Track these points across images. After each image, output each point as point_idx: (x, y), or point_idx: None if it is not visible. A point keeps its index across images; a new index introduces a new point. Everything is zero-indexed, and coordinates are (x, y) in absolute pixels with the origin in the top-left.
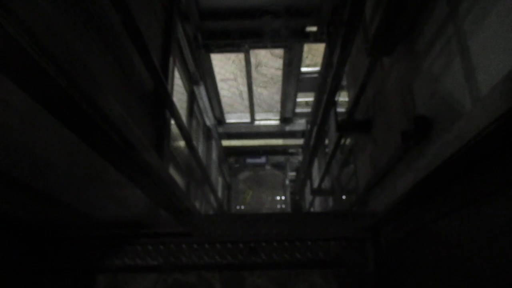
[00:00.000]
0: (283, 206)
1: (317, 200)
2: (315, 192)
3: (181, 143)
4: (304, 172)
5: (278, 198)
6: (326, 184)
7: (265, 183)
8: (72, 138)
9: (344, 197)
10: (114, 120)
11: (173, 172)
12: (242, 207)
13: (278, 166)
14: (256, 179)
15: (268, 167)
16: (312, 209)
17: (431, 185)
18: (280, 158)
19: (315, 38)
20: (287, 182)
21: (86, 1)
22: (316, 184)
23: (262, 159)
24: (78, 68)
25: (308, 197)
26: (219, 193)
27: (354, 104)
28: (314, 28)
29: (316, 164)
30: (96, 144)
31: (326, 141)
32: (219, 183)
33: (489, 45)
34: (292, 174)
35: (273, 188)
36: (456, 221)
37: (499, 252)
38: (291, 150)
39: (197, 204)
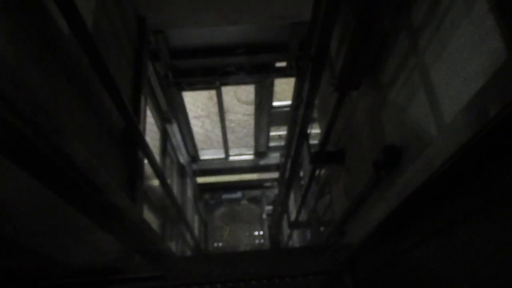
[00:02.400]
0: (262, 241)
1: (295, 233)
2: (293, 225)
3: (155, 183)
4: (281, 205)
5: (256, 233)
6: (303, 216)
7: (242, 218)
8: (39, 185)
9: (321, 229)
10: (80, 165)
11: (147, 213)
12: (220, 244)
13: (254, 200)
14: (232, 214)
15: (244, 201)
16: (290, 243)
17: (402, 214)
18: (256, 192)
19: (284, 73)
20: (264, 216)
21: (53, 44)
22: (293, 217)
23: (238, 194)
24: (41, 115)
25: (286, 230)
26: (196, 231)
27: (325, 136)
28: (283, 64)
29: (292, 197)
30: (63, 190)
31: (301, 174)
32: (195, 221)
33: (450, 76)
34: (269, 208)
35: (250, 223)
36: (429, 249)
37: (467, 278)
38: (266, 184)
39: (173, 245)
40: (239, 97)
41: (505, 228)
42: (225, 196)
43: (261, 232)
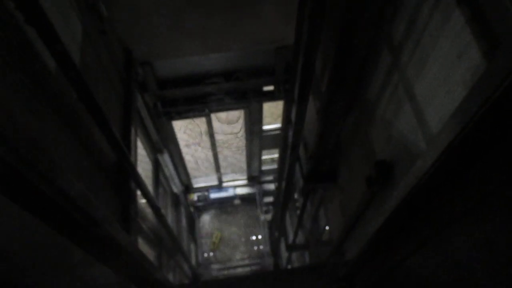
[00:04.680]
0: (261, 247)
1: (294, 255)
2: (291, 248)
3: (149, 214)
4: (278, 229)
5: (253, 237)
6: (301, 238)
7: (236, 221)
8: (32, 220)
9: (319, 249)
10: (75, 198)
11: (142, 244)
12: (211, 254)
13: (249, 200)
14: (224, 217)
15: (237, 201)
16: (289, 266)
17: (395, 225)
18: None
19: (272, 97)
20: (262, 217)
21: (42, 82)
22: (290, 239)
23: (229, 192)
24: (34, 151)
25: (284, 254)
26: (193, 260)
27: (316, 156)
28: (271, 87)
29: (288, 219)
30: (58, 224)
31: (296, 195)
32: (192, 250)
33: (433, 88)
34: (268, 200)
35: (246, 227)
36: (423, 257)
37: (463, 279)
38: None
39: (170, 275)
40: (221, 117)
41: (491, 228)
42: (214, 195)
43: (260, 237)
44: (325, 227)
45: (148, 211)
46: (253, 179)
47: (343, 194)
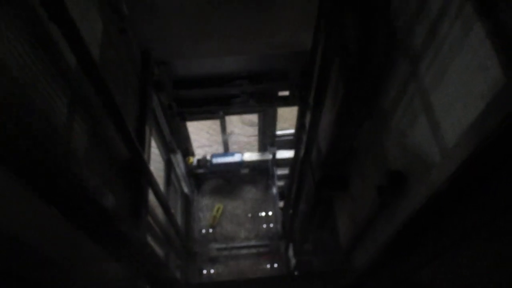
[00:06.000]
0: (271, 225)
1: (302, 261)
2: (298, 253)
3: (159, 212)
4: (286, 234)
5: (262, 214)
6: (309, 245)
7: (242, 194)
8: (47, 217)
9: (328, 256)
10: (92, 191)
11: (151, 242)
12: (210, 230)
13: (259, 169)
14: (228, 188)
15: (245, 170)
16: (296, 272)
17: (405, 238)
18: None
19: (287, 102)
20: (274, 190)
21: (62, 75)
22: (298, 245)
23: (236, 157)
24: (55, 140)
25: (292, 260)
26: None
27: (329, 163)
28: (286, 93)
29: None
30: (75, 216)
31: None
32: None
33: (451, 100)
34: (281, 172)
35: (254, 201)
36: (434, 270)
37: None
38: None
39: (178, 274)
40: (243, 120)
41: (504, 244)
42: (218, 159)
43: (270, 213)
44: (334, 233)
45: (159, 211)
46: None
47: (354, 202)
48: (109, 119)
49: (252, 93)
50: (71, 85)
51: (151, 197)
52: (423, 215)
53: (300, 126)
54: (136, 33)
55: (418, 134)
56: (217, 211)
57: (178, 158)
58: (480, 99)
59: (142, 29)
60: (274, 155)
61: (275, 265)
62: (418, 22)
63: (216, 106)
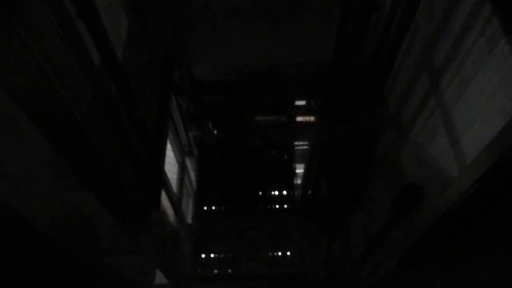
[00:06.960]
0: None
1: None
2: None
3: (171, 214)
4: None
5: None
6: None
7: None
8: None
9: (340, 267)
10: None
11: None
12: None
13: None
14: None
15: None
16: None
17: (422, 248)
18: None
19: (304, 111)
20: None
21: (87, 71)
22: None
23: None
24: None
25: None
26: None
27: (344, 175)
28: (303, 102)
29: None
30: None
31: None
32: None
33: (471, 116)
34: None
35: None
36: (449, 282)
37: None
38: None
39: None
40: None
41: None
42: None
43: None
44: (346, 245)
45: (171, 212)
46: None
47: (367, 214)
48: (128, 118)
49: (270, 101)
50: (95, 82)
51: (163, 197)
52: (438, 227)
53: (315, 137)
54: (159, 37)
55: (436, 148)
56: None
57: (193, 162)
58: (502, 114)
59: (166, 33)
60: None
61: None
62: (441, 36)
63: (233, 113)
